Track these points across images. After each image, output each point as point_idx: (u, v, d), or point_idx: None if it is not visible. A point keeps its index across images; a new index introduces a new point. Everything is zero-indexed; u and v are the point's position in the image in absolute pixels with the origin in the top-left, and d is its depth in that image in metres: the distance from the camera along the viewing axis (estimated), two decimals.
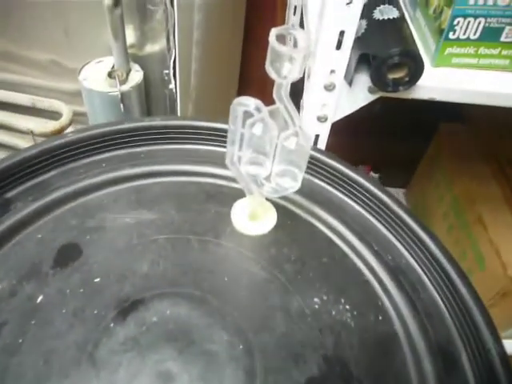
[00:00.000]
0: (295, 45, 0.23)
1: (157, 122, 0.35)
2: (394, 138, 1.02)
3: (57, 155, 0.33)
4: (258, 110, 0.25)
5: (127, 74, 0.60)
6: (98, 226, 0.31)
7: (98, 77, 0.59)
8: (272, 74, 0.23)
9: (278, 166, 0.27)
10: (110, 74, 0.58)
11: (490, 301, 0.89)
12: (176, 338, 0.26)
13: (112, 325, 0.26)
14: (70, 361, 0.25)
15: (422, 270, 0.30)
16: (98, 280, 0.28)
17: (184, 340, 0.26)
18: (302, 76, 0.23)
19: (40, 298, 0.27)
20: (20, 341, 0.26)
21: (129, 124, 0.35)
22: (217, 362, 0.25)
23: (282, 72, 0.23)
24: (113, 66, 0.58)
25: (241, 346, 0.26)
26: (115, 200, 0.32)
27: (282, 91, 0.24)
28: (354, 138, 0.91)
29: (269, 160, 0.27)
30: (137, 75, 0.61)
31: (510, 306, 0.90)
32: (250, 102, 0.25)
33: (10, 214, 0.31)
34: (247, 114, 0.26)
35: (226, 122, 0.27)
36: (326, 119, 0.52)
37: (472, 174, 0.97)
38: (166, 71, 0.62)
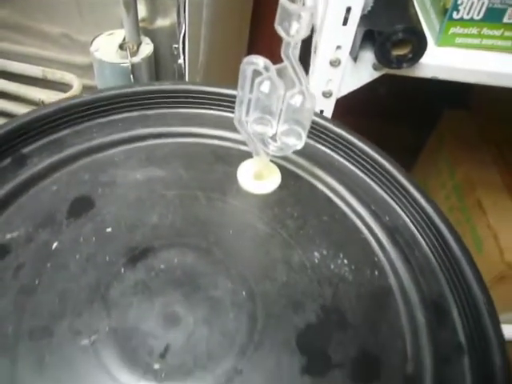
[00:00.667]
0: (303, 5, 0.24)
1: (167, 86, 0.36)
2: (397, 125, 1.03)
3: (72, 114, 0.34)
4: (267, 68, 0.26)
5: (138, 47, 0.61)
6: (110, 181, 0.32)
7: (110, 48, 0.60)
8: (281, 33, 0.25)
9: (283, 125, 0.29)
10: (121, 46, 0.60)
11: (488, 284, 0.91)
12: (182, 284, 0.27)
13: (123, 270, 0.28)
14: (83, 301, 0.26)
15: (417, 230, 0.32)
16: (109, 230, 0.30)
17: (190, 286, 0.27)
18: (308, 35, 0.24)
19: (55, 245, 0.29)
20: (36, 282, 0.27)
21: (141, 87, 0.36)
22: (220, 306, 0.27)
23: (291, 31, 0.24)
24: (124, 39, 0.59)
25: (243, 293, 0.27)
26: (127, 158, 0.34)
27: (289, 50, 0.25)
28: (357, 124, 0.92)
29: (275, 119, 0.29)
30: (147, 48, 0.62)
31: (506, 290, 0.92)
32: (259, 61, 0.26)
33: (26, 168, 0.32)
34: (256, 73, 0.27)
35: (235, 88, 0.28)
36: (330, 95, 0.53)
37: (473, 160, 0.98)
38: (176, 46, 0.63)
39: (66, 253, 0.28)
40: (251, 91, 0.28)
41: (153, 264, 0.28)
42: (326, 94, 0.53)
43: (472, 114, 1.06)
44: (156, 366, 0.24)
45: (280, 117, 0.28)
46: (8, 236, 0.29)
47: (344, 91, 0.53)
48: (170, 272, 0.28)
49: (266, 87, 0.27)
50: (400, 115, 1.07)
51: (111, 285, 0.27)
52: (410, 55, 0.47)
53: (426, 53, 0.50)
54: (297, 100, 0.27)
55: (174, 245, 0.29)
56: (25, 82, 0.72)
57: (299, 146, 0.29)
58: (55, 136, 0.34)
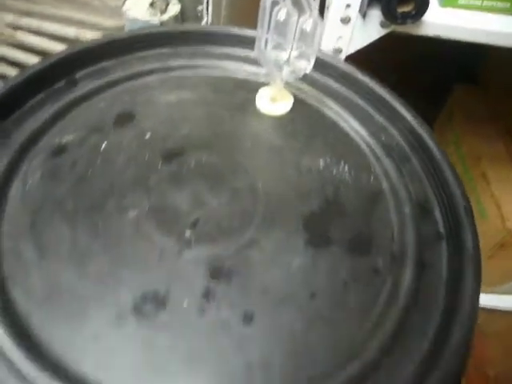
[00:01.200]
0: None
1: (198, 27, 0.42)
2: (408, 99, 1.07)
3: (115, 48, 0.40)
4: None
5: (166, 6, 0.67)
6: (147, 101, 0.38)
7: (140, 8, 0.66)
8: None
9: (296, 51, 0.34)
10: (151, 4, 0.65)
11: (490, 251, 0.95)
12: (208, 178, 0.33)
13: (159, 166, 0.34)
14: (128, 186, 0.32)
15: (409, 149, 0.37)
16: (147, 136, 0.35)
17: (215, 179, 0.33)
18: None
19: (103, 146, 0.35)
20: (89, 173, 0.33)
21: (172, 28, 0.42)
22: (240, 194, 0.33)
23: None
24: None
25: (260, 185, 0.33)
26: (161, 84, 0.39)
27: None
28: None
29: (289, 45, 0.34)
30: (175, 7, 0.68)
31: (507, 257, 0.96)
32: None
33: (77, 89, 0.38)
34: (274, 4, 0.33)
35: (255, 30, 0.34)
36: (340, 51, 0.58)
37: (480, 133, 1.02)
38: (200, 7, 0.69)
39: (112, 152, 0.34)
40: (270, 21, 0.33)
41: (184, 162, 0.34)
42: (337, 51, 0.58)
43: (480, 88, 1.10)
44: (187, 234, 0.30)
45: (293, 42, 0.34)
46: (64, 139, 0.35)
47: (353, 48, 0.57)
48: (199, 169, 0.34)
49: (282, 15, 0.32)
50: (411, 90, 1.10)
51: (150, 176, 0.33)
52: (414, 12, 0.52)
53: (430, 13, 0.55)
54: (308, 25, 0.32)
55: (203, 149, 0.35)
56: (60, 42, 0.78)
57: (309, 68, 0.35)
58: (101, 65, 0.40)
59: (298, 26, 0.33)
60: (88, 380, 0.24)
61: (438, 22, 0.56)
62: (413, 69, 1.06)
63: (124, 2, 0.65)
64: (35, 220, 0.30)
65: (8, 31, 0.73)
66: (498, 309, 1.10)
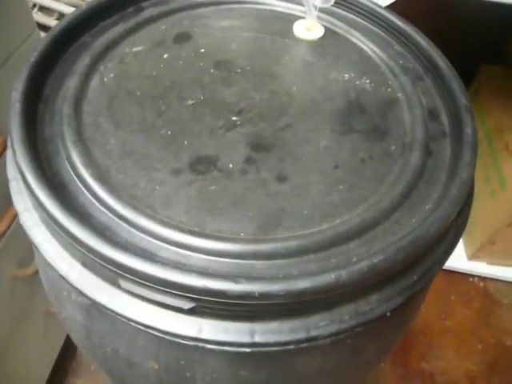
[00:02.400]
0: None
1: None
2: None
3: None
4: None
5: None
6: (203, 24, 0.45)
7: None
8: None
9: None
10: None
11: (509, 219, 0.99)
12: (251, 81, 0.40)
13: (212, 70, 0.41)
14: (186, 83, 0.39)
15: (424, 72, 0.43)
16: (202, 50, 0.42)
17: (257, 82, 0.40)
18: None
19: (165, 56, 0.42)
20: (154, 73, 0.40)
21: None
22: (278, 93, 0.39)
23: None
24: None
25: (295, 89, 0.40)
26: (214, 13, 0.46)
27: None
28: None
29: None
30: None
31: None
32: None
33: (143, 14, 0.45)
34: None
35: None
36: None
37: (504, 108, 1.06)
38: None
39: (172, 60, 0.41)
40: None
41: (232, 69, 0.41)
42: None
43: (506, 68, 1.13)
44: (234, 118, 0.37)
45: None
46: (134, 49, 0.42)
47: (384, 3, 0.63)
48: (244, 74, 0.40)
49: None
50: None
51: (204, 77, 0.40)
52: None
53: None
54: None
55: (247, 60, 0.42)
56: None
57: None
58: None
59: None
60: (154, 211, 0.31)
61: None
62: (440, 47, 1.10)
63: None
64: (111, 103, 0.38)
65: None
66: None
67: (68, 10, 0.91)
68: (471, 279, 1.15)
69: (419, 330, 1.06)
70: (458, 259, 1.12)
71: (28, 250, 0.67)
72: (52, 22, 0.94)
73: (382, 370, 0.99)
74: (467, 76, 1.14)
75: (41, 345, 0.76)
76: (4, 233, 0.57)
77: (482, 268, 1.13)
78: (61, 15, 0.93)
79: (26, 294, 0.69)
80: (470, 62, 1.11)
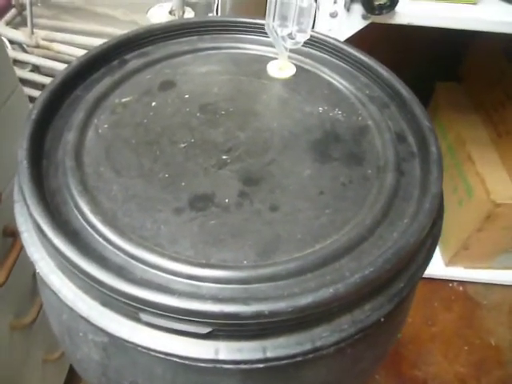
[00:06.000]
0: None
1: (218, 18, 0.53)
2: None
3: (155, 35, 0.51)
4: None
5: (183, 13, 0.79)
6: (184, 72, 0.49)
7: (161, 15, 0.79)
8: None
9: (295, 26, 0.45)
10: (170, 12, 0.78)
11: (478, 224, 1.05)
12: (235, 121, 0.44)
13: (198, 114, 0.44)
14: (175, 127, 0.43)
15: (388, 99, 0.48)
16: (187, 96, 0.46)
17: (240, 121, 0.44)
18: None
19: (153, 104, 0.45)
20: (145, 121, 0.44)
21: (198, 19, 0.53)
22: (260, 130, 0.43)
23: None
24: (171, 8, 0.78)
25: (275, 124, 0.44)
26: (192, 60, 0.50)
27: None
28: None
29: (291, 21, 0.45)
30: (190, 14, 0.80)
31: (495, 230, 1.06)
32: None
33: (128, 67, 0.49)
34: None
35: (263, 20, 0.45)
36: None
37: (464, 122, 1.14)
38: (210, 14, 0.81)
39: (161, 107, 0.45)
40: (276, 4, 0.44)
41: (216, 111, 0.45)
42: None
43: (461, 84, 1.21)
44: (224, 157, 0.40)
45: (294, 19, 0.45)
46: (123, 100, 0.45)
47: (342, 38, 0.69)
48: (228, 115, 0.44)
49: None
50: None
51: (191, 121, 0.44)
52: (388, 3, 0.63)
53: (404, 5, 0.67)
54: (304, 4, 0.43)
55: (229, 102, 0.46)
56: None
57: (306, 37, 0.46)
58: (145, 49, 0.51)
59: (297, 5, 0.44)
60: (163, 249, 0.34)
61: (410, 12, 0.68)
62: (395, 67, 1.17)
63: (147, 11, 0.77)
64: (108, 152, 0.41)
65: (44, 43, 0.85)
66: (495, 283, 1.19)
67: (39, 61, 0.94)
68: (451, 284, 1.20)
69: (408, 339, 1.09)
70: (437, 266, 1.17)
71: (25, 299, 0.69)
72: (26, 74, 0.97)
73: (376, 382, 1.02)
74: (423, 93, 1.22)
75: None
76: (2, 284, 0.59)
77: (459, 273, 1.19)
78: (34, 67, 0.96)
79: (24, 344, 0.70)
80: (425, 80, 1.18)
